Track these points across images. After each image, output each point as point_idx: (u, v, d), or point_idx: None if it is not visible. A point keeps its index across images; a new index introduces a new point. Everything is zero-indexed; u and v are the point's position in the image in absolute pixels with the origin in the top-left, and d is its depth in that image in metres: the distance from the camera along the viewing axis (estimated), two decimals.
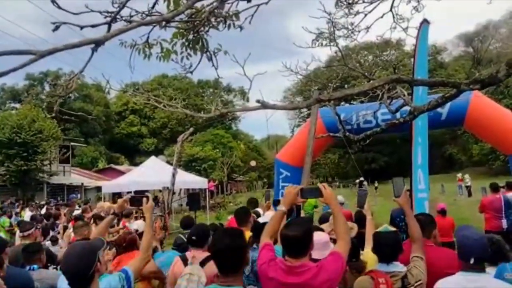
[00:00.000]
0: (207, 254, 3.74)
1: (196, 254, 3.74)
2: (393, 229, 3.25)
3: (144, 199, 3.52)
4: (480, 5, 63.89)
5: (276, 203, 7.08)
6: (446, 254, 3.56)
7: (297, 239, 2.55)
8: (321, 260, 2.61)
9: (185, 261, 3.69)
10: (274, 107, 4.07)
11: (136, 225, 6.33)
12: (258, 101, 3.68)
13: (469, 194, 27.53)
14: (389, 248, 3.06)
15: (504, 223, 8.61)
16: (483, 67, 51.41)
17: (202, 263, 3.55)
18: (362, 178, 40.05)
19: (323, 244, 3.13)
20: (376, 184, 35.02)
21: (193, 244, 3.88)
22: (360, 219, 4.50)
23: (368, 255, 3.33)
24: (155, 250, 4.72)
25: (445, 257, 3.44)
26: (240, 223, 4.81)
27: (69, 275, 2.35)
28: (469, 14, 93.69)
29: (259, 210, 6.17)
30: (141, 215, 9.36)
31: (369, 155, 54.59)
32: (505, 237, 8.23)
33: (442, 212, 8.45)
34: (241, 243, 2.50)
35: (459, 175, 33.09)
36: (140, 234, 4.58)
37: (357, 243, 3.59)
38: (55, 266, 4.87)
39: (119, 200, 3.62)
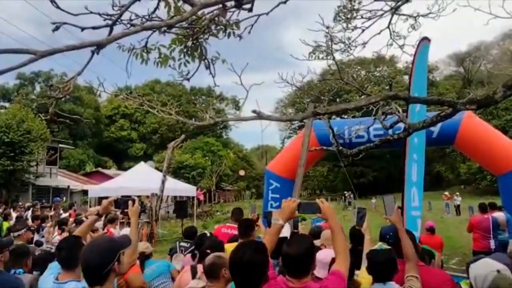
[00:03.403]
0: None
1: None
2: (388, 247, 3.19)
3: (130, 202, 3.43)
4: (473, 26, 64.98)
5: (267, 215, 6.98)
6: (438, 274, 3.53)
7: (299, 258, 2.44)
8: (323, 280, 2.52)
9: (194, 273, 3.59)
10: (269, 118, 4.05)
11: (125, 231, 6.21)
12: (254, 111, 3.65)
13: (458, 213, 27.78)
14: (385, 267, 2.99)
15: (492, 243, 8.63)
16: (474, 87, 52.19)
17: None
18: (347, 193, 40.15)
19: (327, 263, 3.02)
20: (373, 200, 33.82)
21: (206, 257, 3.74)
22: (354, 236, 4.43)
23: (363, 274, 3.27)
24: (148, 256, 4.63)
25: (437, 277, 3.40)
26: (243, 234, 4.47)
27: (84, 269, 2.28)
28: (461, 34, 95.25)
29: None
30: (128, 220, 9.22)
31: (358, 169, 54.78)
32: None
33: (431, 230, 8.46)
34: (264, 258, 2.32)
35: (446, 193, 33.34)
36: None
37: (353, 261, 3.53)
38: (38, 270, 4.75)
39: (104, 201, 3.51)
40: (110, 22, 2.47)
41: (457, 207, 28.69)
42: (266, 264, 2.31)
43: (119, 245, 2.41)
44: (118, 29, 2.52)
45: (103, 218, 6.84)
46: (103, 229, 8.01)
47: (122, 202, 3.47)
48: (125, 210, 3.39)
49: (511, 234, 8.95)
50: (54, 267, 2.94)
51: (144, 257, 4.48)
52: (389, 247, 3.17)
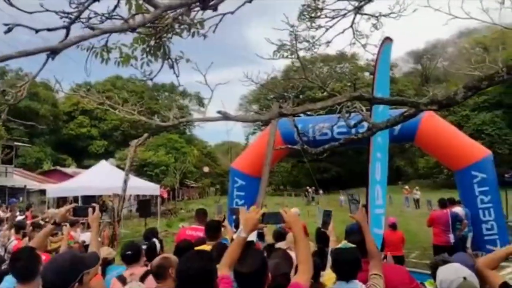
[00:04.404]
0: (144, 269, 3.68)
1: (134, 271, 3.69)
2: (353, 245, 3.21)
3: (90, 209, 3.29)
4: (431, 25, 67.17)
5: (233, 211, 6.92)
6: (397, 270, 3.60)
7: (251, 276, 2.40)
8: None
9: (123, 281, 3.58)
10: (235, 118, 3.98)
11: (84, 236, 6.00)
12: (219, 112, 3.58)
13: (417, 207, 28.76)
14: (349, 265, 3.00)
15: (451, 237, 8.94)
16: (431, 84, 54.01)
17: (142, 279, 3.46)
18: (310, 189, 40.69)
19: None
20: (341, 197, 33.55)
21: (130, 260, 3.84)
22: (320, 237, 4.45)
23: (329, 275, 3.28)
24: (110, 262, 4.48)
25: (397, 273, 3.47)
26: (210, 236, 4.49)
27: (43, 286, 2.14)
28: (419, 32, 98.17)
29: None
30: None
31: (322, 165, 55.54)
32: (452, 251, 8.58)
33: (393, 226, 8.67)
34: (211, 268, 2.30)
35: (407, 187, 34.35)
36: (88, 247, 4.37)
37: (319, 262, 3.54)
38: None
39: (62, 210, 3.36)
40: (67, 20, 2.33)
41: (417, 201, 29.68)
42: (214, 274, 2.30)
43: (84, 265, 2.25)
44: (76, 28, 2.39)
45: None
46: (62, 232, 7.76)
47: (81, 210, 3.32)
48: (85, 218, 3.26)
49: (470, 228, 9.31)
50: (8, 280, 2.78)
51: (106, 263, 4.33)
52: (353, 245, 3.19)
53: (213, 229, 4.56)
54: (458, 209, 9.32)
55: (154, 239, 4.74)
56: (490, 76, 3.07)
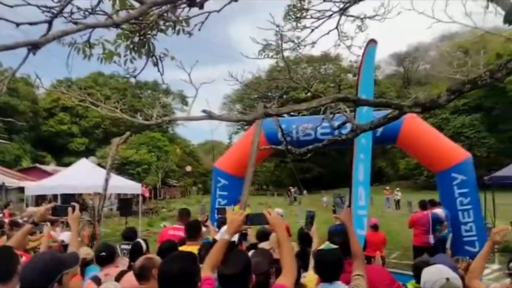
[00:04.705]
0: (119, 269, 3.65)
1: (109, 271, 3.66)
2: (335, 247, 3.21)
3: (70, 209, 3.24)
4: (414, 27, 68.00)
5: (219, 211, 6.87)
6: (380, 272, 3.64)
7: (235, 278, 2.37)
8: None
9: (98, 282, 3.56)
10: (220, 118, 3.95)
11: (63, 236, 5.88)
12: (204, 111, 3.54)
13: (398, 207, 29.16)
14: (331, 266, 3.00)
15: (431, 238, 9.06)
16: (413, 86, 54.78)
17: (117, 279, 3.42)
18: (292, 189, 40.80)
19: None
20: (324, 198, 33.63)
21: (103, 261, 3.83)
22: (303, 238, 4.45)
23: (311, 277, 3.28)
24: (89, 262, 4.40)
25: (379, 274, 3.50)
26: (190, 236, 4.51)
27: (21, 287, 2.11)
28: (402, 34, 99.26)
29: None
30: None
31: (305, 165, 55.84)
32: (432, 252, 8.69)
33: (375, 227, 8.73)
34: (195, 269, 2.29)
35: (388, 188, 34.73)
36: (67, 246, 4.30)
37: (300, 263, 3.52)
38: None
39: (40, 209, 3.29)
40: (49, 15, 2.27)
41: (397, 202, 30.04)
42: (197, 276, 2.28)
43: (63, 265, 2.20)
44: (59, 23, 2.33)
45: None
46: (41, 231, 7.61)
47: (61, 209, 3.25)
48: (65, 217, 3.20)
49: (449, 229, 9.46)
50: None
51: (84, 264, 4.26)
52: (336, 246, 3.19)
53: (193, 229, 4.57)
54: (439, 211, 9.45)
55: (139, 239, 4.68)
56: (473, 79, 3.10)
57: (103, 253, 3.94)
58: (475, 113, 44.34)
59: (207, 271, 2.56)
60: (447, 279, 2.51)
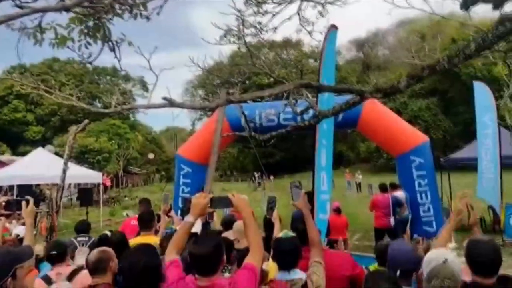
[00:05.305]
0: (70, 268, 3.58)
1: (60, 270, 3.57)
2: (293, 234, 3.19)
3: (24, 203, 3.12)
4: (373, 13, 68.94)
5: (188, 202, 6.78)
6: (341, 257, 3.67)
7: (206, 257, 2.40)
8: (233, 276, 2.51)
9: (48, 281, 3.44)
10: (182, 105, 3.86)
11: (18, 230, 5.66)
12: (164, 98, 3.44)
13: (359, 190, 29.86)
14: (289, 255, 2.98)
15: (392, 221, 9.33)
16: (372, 71, 55.86)
17: (70, 278, 3.34)
18: (256, 174, 41.01)
19: None
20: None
21: (55, 260, 3.73)
22: (267, 224, 4.46)
23: (271, 265, 3.28)
24: (42, 259, 4.23)
25: (340, 259, 3.54)
26: (143, 227, 4.53)
27: None
28: (361, 20, 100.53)
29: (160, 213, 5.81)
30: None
31: (267, 150, 56.10)
32: (392, 234, 8.96)
33: (337, 211, 8.90)
34: (157, 260, 2.33)
35: (347, 171, 35.52)
36: (22, 240, 4.15)
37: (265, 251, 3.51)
38: None
39: None
40: None
41: (358, 185, 30.76)
42: (160, 265, 2.34)
43: (16, 259, 2.13)
44: (5, 6, 2.17)
45: None
46: None
47: (14, 203, 3.11)
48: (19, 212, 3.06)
49: (409, 211, 9.76)
50: None
51: (38, 261, 4.11)
52: (293, 234, 3.19)
53: (145, 221, 4.72)
54: (399, 193, 9.72)
55: (106, 232, 4.55)
56: (432, 65, 3.14)
57: (54, 252, 3.78)
58: (432, 96, 45.74)
59: (171, 254, 2.59)
60: (445, 261, 2.38)
